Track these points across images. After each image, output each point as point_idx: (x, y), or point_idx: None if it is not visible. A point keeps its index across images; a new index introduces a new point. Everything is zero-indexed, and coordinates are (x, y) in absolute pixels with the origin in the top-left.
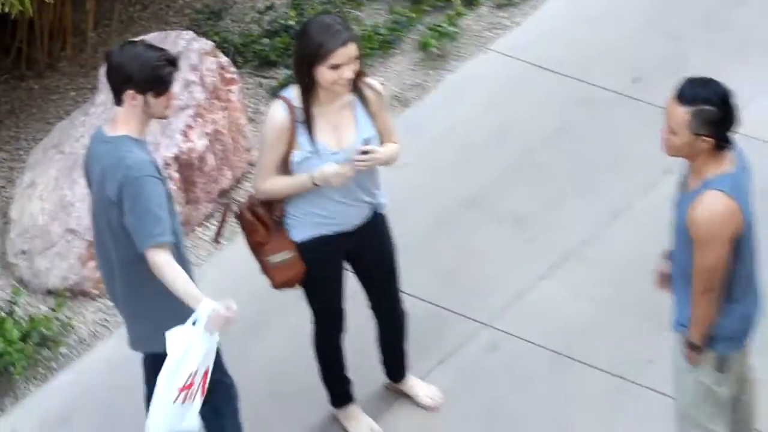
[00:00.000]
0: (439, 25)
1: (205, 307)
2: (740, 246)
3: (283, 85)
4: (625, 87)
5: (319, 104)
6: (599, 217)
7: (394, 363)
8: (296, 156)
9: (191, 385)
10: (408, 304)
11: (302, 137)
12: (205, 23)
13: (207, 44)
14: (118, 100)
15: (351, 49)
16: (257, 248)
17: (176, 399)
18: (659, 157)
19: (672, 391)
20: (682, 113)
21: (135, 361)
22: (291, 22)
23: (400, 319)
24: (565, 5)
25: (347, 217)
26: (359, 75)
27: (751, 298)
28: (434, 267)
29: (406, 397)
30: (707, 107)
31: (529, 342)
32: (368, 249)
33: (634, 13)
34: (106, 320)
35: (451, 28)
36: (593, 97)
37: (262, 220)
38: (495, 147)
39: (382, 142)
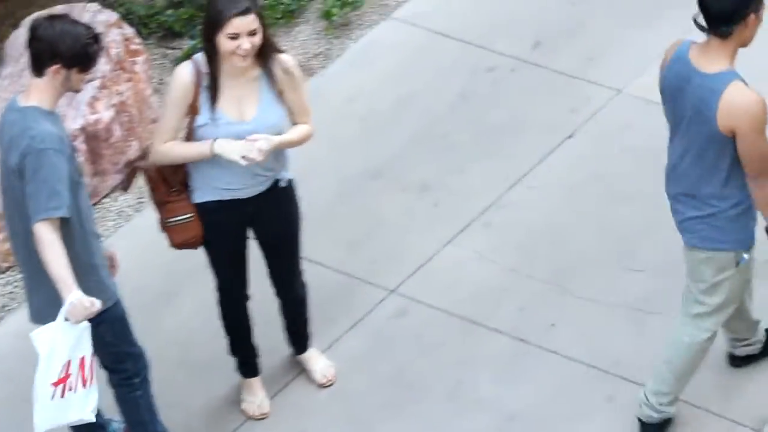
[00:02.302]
0: None
1: (70, 297)
2: None
3: (188, 55)
4: (527, 53)
5: (226, 75)
6: (503, 182)
7: (295, 336)
8: (197, 121)
9: (68, 376)
10: (314, 272)
11: (205, 103)
12: None
13: (112, 16)
14: (39, 72)
15: (249, 20)
16: (159, 206)
17: (53, 395)
18: (561, 123)
19: (576, 353)
20: None
21: None
22: None
23: (299, 293)
24: None
25: (245, 186)
26: (271, 50)
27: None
28: (340, 235)
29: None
30: None
31: (436, 308)
32: (267, 220)
33: None
34: (14, 293)
35: None
36: (495, 64)
37: (166, 179)
38: (399, 115)
39: (293, 122)
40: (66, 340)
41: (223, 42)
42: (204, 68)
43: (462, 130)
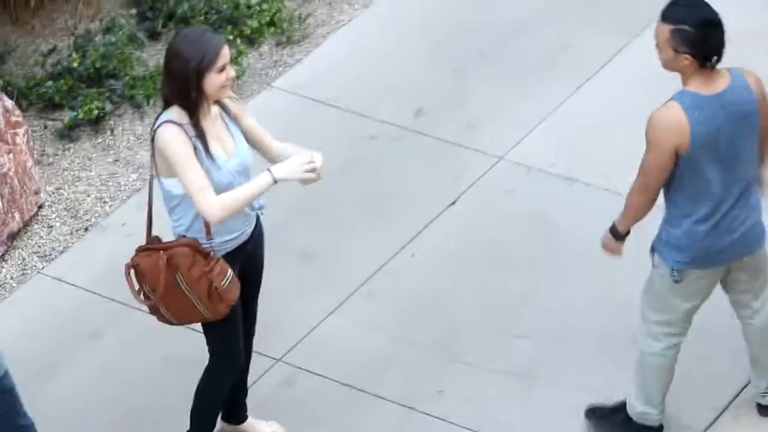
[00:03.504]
0: None
1: None
2: (687, 163)
3: (70, 126)
4: (409, 122)
5: (203, 119)
6: (386, 251)
7: (240, 401)
8: None
9: None
10: (199, 339)
11: (200, 153)
12: None
13: None
14: None
15: (227, 48)
16: (203, 279)
17: None
18: (444, 190)
19: (464, 420)
20: (664, 30)
21: None
22: (74, 64)
23: (251, 350)
24: (345, 43)
25: (245, 227)
26: None
27: (698, 219)
28: None
29: None
30: (684, 27)
31: (323, 376)
32: (254, 257)
33: (414, 50)
34: None
35: (234, 67)
36: (377, 132)
37: (199, 250)
38: (279, 185)
39: (257, 146)
40: None
41: (213, 79)
42: (184, 120)
43: (345, 198)
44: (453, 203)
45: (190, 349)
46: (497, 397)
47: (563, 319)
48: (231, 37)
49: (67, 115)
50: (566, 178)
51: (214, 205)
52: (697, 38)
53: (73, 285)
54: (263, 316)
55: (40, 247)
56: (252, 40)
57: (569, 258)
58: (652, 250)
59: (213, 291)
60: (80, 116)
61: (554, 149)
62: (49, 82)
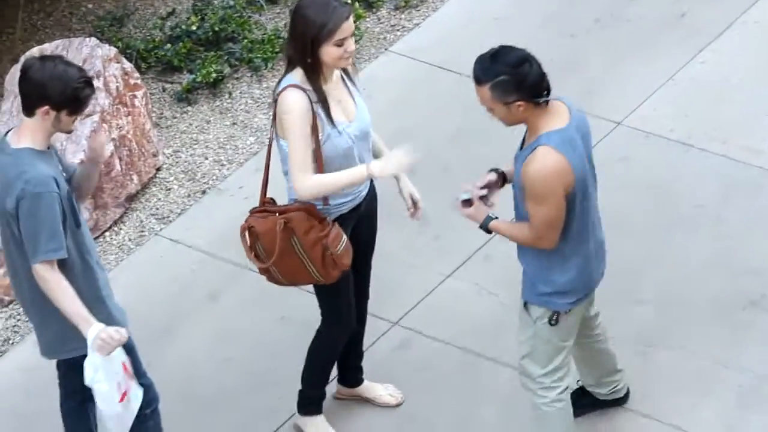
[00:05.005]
0: None
1: (91, 332)
2: (571, 202)
3: (188, 89)
4: None
5: (324, 83)
6: (503, 215)
7: (355, 365)
8: (321, 138)
9: (123, 388)
10: (315, 304)
11: (321, 118)
12: (108, 30)
13: (110, 50)
14: (29, 113)
15: (351, 21)
16: (318, 243)
17: (122, 408)
18: None
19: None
20: (484, 92)
21: (48, 366)
22: (193, 27)
23: (365, 313)
24: (463, 7)
25: (361, 189)
26: None
27: (585, 253)
28: None
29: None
30: (500, 78)
31: (438, 340)
32: (367, 223)
33: (531, 14)
34: (17, 326)
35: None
36: None
37: (314, 214)
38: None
39: None
40: (111, 366)
41: (330, 51)
42: (306, 86)
43: (461, 162)
44: None
45: (306, 310)
46: (620, 363)
47: (680, 285)
48: (350, 1)
49: (185, 78)
50: (684, 144)
51: (308, 185)
52: (517, 81)
53: (190, 247)
54: (380, 279)
55: (157, 209)
56: (370, 4)
57: (686, 224)
58: (526, 306)
59: (328, 256)
60: (198, 79)
61: (672, 115)
62: (168, 45)
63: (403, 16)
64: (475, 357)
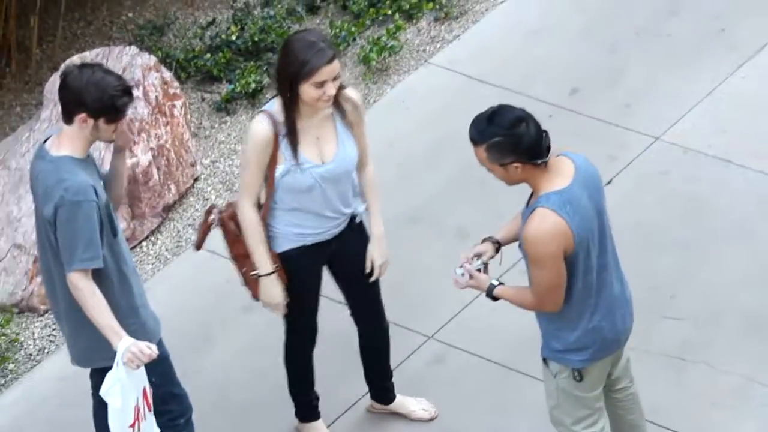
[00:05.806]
0: (380, 39)
1: (121, 345)
2: (573, 264)
3: (227, 99)
4: (563, 100)
5: (301, 117)
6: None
7: (382, 382)
8: (279, 170)
9: (138, 411)
10: (347, 318)
11: (286, 151)
12: (148, 38)
13: (150, 59)
14: (68, 120)
15: (335, 66)
16: (240, 260)
17: (131, 429)
18: (599, 169)
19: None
20: (480, 152)
21: (83, 375)
22: (233, 37)
23: (384, 331)
24: (503, 19)
25: (328, 228)
26: (339, 87)
27: (593, 312)
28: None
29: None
30: (495, 140)
31: (473, 354)
32: (349, 255)
33: (570, 26)
34: (53, 335)
35: (392, 42)
36: (532, 109)
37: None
38: (436, 160)
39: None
40: (132, 384)
41: (308, 90)
42: (279, 117)
43: None
44: (609, 182)
45: (338, 323)
46: (649, 379)
47: (716, 301)
48: (389, 12)
49: (224, 88)
50: (723, 159)
51: (243, 213)
52: (513, 143)
53: (226, 258)
54: (415, 292)
55: (194, 219)
56: (410, 15)
57: (723, 240)
58: (545, 361)
59: (246, 275)
60: (237, 89)
61: (711, 130)
62: (207, 55)
63: (442, 28)
64: (510, 371)
